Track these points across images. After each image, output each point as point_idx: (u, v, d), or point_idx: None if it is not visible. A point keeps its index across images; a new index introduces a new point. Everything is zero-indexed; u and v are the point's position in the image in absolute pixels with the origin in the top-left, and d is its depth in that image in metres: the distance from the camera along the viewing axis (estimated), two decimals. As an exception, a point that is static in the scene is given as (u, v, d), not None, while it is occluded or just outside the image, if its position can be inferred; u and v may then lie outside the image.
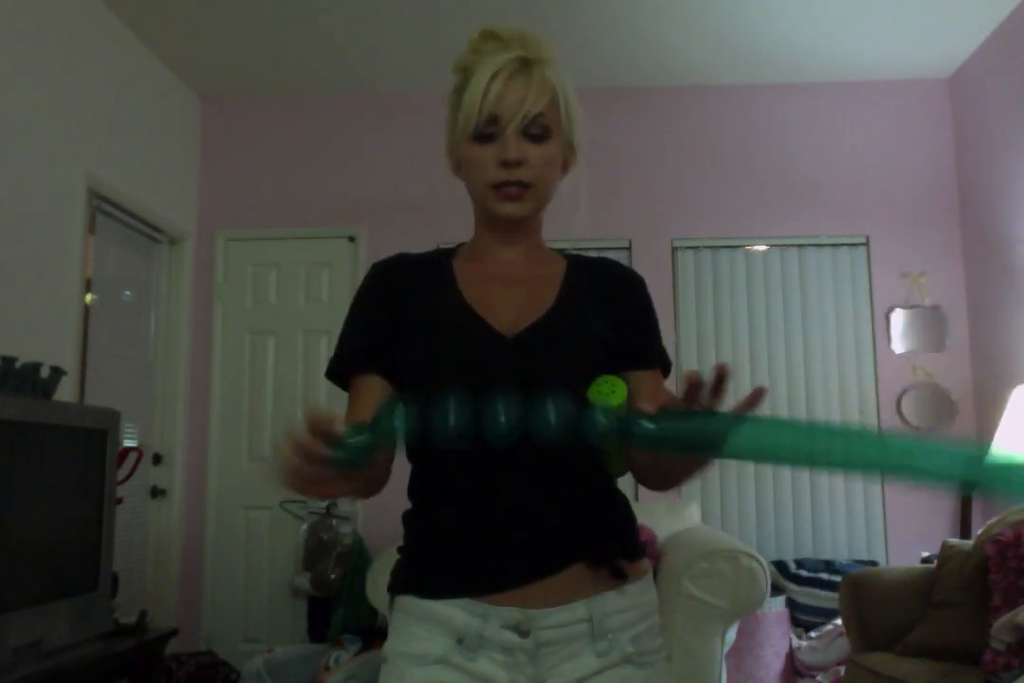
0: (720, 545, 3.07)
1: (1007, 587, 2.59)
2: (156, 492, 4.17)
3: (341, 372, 1.16)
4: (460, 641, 1.04)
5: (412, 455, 1.15)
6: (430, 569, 1.09)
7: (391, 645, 1.09)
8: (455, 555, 1.07)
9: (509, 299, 1.13)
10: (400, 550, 1.15)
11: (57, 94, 3.36)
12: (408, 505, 1.16)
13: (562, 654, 1.05)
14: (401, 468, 1.16)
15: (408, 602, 1.09)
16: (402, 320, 1.13)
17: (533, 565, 1.05)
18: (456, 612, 1.04)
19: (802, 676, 3.57)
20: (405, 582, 1.11)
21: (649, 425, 0.84)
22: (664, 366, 1.20)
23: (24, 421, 2.40)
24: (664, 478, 1.08)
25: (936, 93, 4.39)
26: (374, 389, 1.12)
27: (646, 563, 1.15)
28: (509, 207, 1.12)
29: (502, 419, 0.86)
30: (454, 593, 1.05)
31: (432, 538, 1.10)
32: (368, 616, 3.71)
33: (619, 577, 1.07)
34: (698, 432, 0.83)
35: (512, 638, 1.03)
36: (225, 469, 4.33)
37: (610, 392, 1.01)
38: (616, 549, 1.09)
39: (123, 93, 3.85)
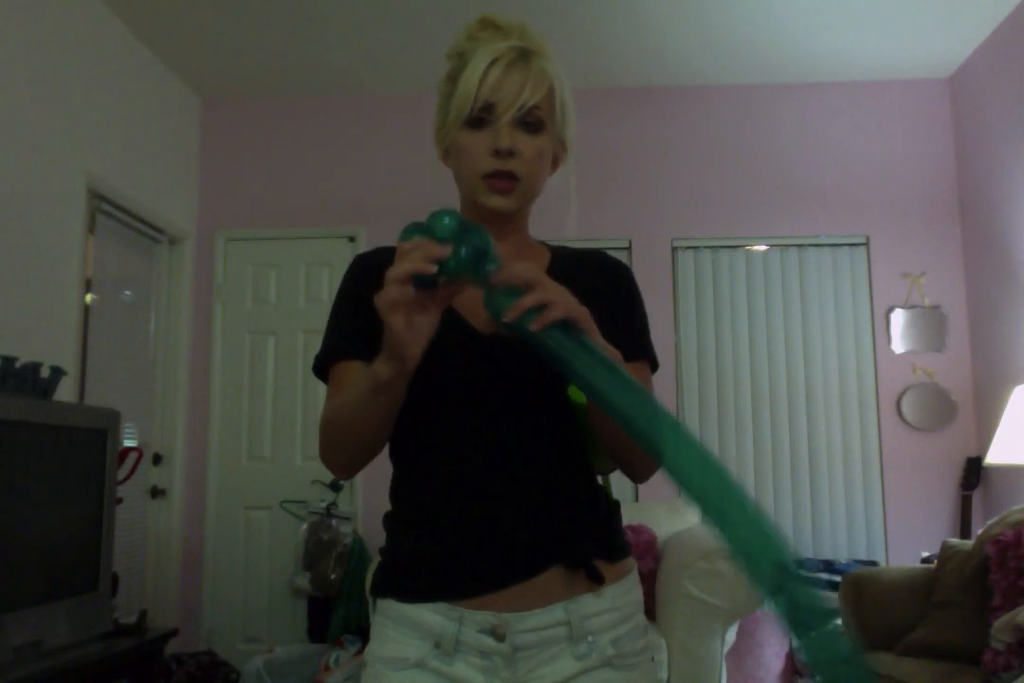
0: (720, 545, 3.06)
1: (1007, 587, 2.59)
2: (156, 492, 4.17)
3: (327, 366, 1.15)
4: (437, 645, 1.03)
5: (395, 455, 1.14)
6: (408, 572, 1.08)
7: (371, 649, 1.09)
8: (432, 559, 1.06)
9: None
10: (381, 552, 1.14)
11: (57, 94, 3.35)
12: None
13: (540, 658, 1.04)
14: (386, 471, 1.16)
15: (387, 605, 1.08)
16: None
17: (509, 569, 1.04)
18: (432, 616, 1.04)
19: (802, 676, 3.57)
20: (384, 585, 1.10)
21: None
22: (649, 360, 1.17)
23: (24, 421, 2.41)
24: (631, 455, 1.07)
25: (936, 93, 4.39)
26: (356, 372, 1.09)
27: (629, 563, 1.13)
28: (497, 200, 1.10)
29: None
30: (431, 597, 1.04)
31: (410, 542, 1.09)
32: (368, 616, 3.71)
33: (595, 579, 1.06)
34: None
35: (488, 642, 1.02)
36: (225, 469, 4.33)
37: None
38: (591, 551, 1.07)
39: (123, 93, 3.85)
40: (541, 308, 0.89)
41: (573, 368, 0.90)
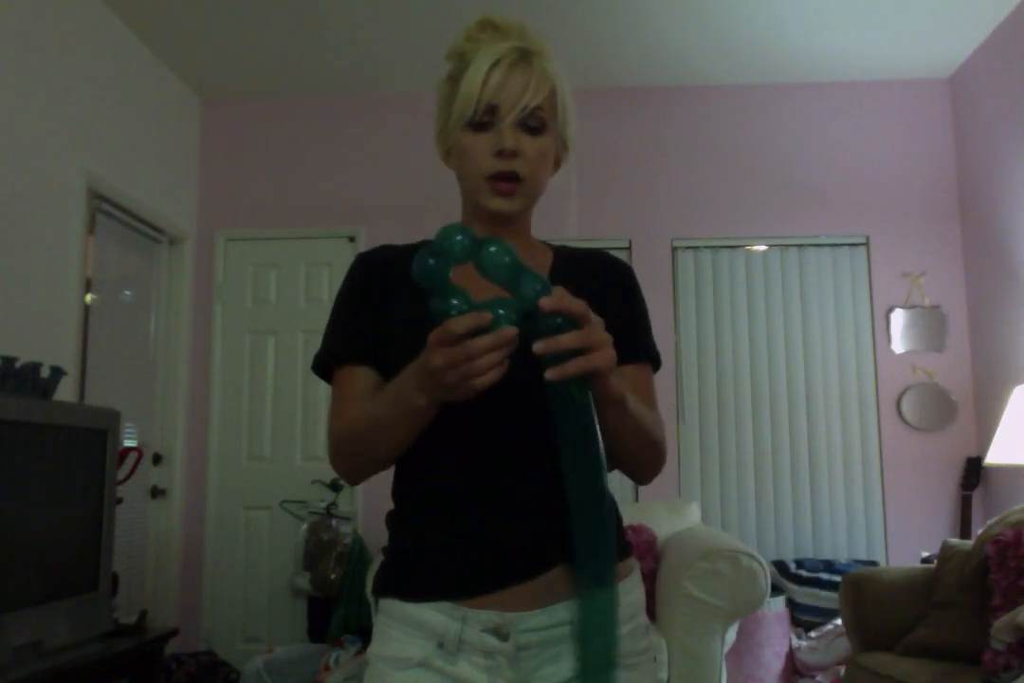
0: (720, 545, 3.07)
1: (1007, 587, 2.59)
2: (156, 492, 4.17)
3: (328, 365, 1.15)
4: (440, 644, 1.03)
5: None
6: (411, 572, 1.08)
7: (373, 648, 1.09)
8: (435, 558, 1.06)
9: (493, 294, 1.12)
10: (384, 551, 1.14)
11: (57, 94, 3.35)
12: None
13: (543, 657, 1.04)
14: (387, 471, 1.16)
15: (389, 605, 1.08)
16: (386, 314, 1.12)
17: (513, 568, 1.04)
18: (435, 615, 1.03)
19: (802, 676, 3.57)
20: (387, 584, 1.10)
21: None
22: (652, 360, 1.18)
23: (24, 421, 2.40)
24: (630, 455, 1.07)
25: (936, 93, 4.39)
26: (363, 380, 1.10)
27: (631, 563, 1.13)
28: (500, 202, 1.11)
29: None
30: (434, 596, 1.04)
31: (413, 540, 1.09)
32: (368, 616, 3.71)
33: None
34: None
35: (492, 642, 1.02)
36: (225, 469, 4.33)
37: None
38: None
39: (123, 93, 3.85)
40: (578, 351, 0.87)
41: (560, 430, 0.93)
